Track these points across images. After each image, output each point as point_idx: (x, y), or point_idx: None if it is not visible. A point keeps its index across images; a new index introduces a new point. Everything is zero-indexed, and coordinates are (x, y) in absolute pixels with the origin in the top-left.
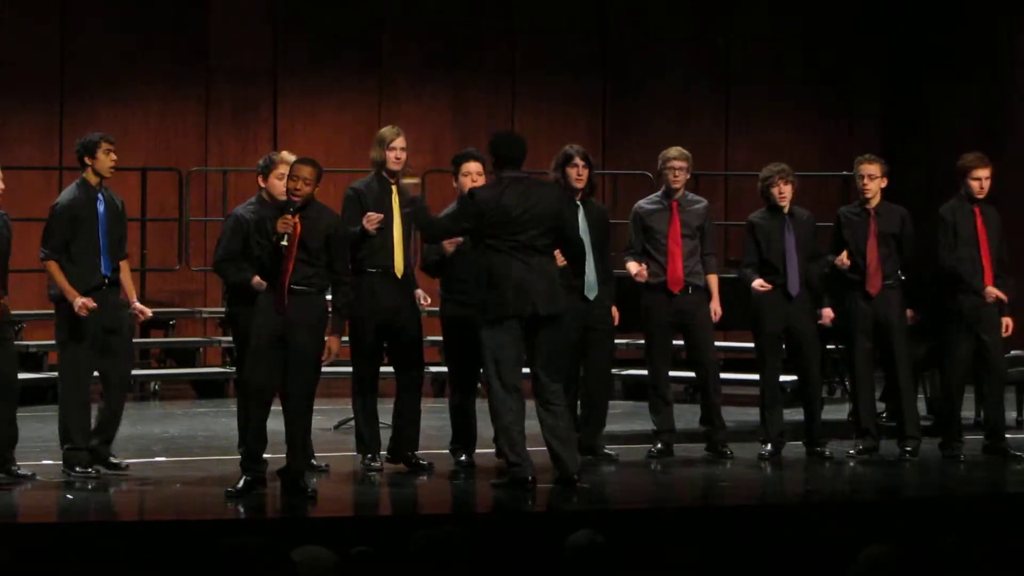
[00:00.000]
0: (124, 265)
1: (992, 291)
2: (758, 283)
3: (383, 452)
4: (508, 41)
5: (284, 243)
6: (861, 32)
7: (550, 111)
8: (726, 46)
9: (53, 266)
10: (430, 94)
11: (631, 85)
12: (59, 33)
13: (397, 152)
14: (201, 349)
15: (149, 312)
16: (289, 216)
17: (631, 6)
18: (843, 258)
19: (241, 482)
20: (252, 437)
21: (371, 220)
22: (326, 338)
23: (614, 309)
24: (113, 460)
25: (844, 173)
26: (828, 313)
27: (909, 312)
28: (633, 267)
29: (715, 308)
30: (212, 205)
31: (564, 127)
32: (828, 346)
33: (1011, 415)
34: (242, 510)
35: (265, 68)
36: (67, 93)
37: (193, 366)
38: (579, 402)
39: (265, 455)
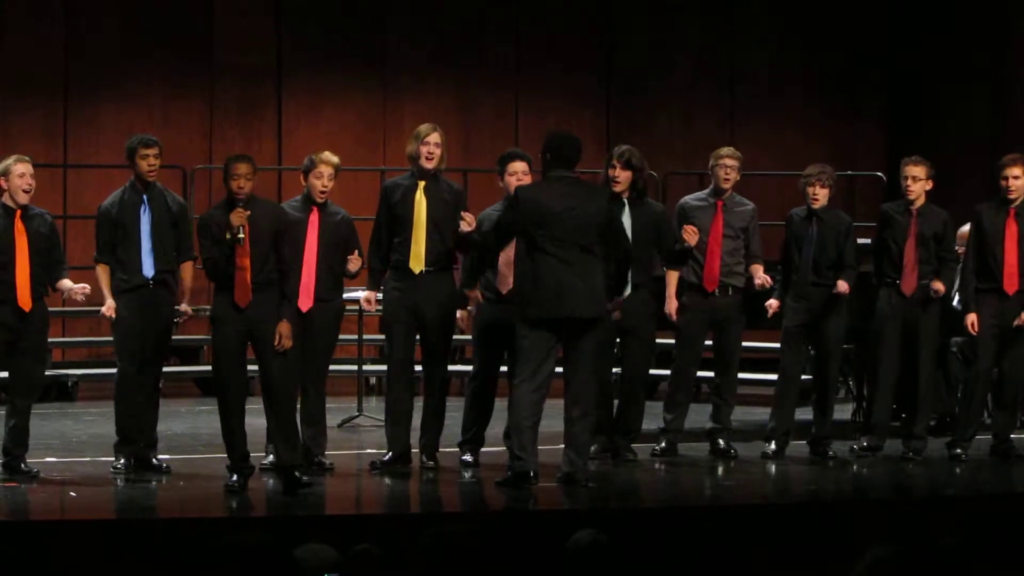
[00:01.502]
0: (186, 266)
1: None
2: (770, 304)
3: (415, 450)
4: (512, 40)
5: (240, 236)
6: (865, 31)
7: (554, 110)
8: (728, 44)
9: (99, 269)
10: (434, 92)
11: (635, 84)
12: (63, 31)
13: (430, 148)
14: (204, 347)
15: (190, 311)
16: (241, 209)
17: (635, 5)
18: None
19: (235, 478)
20: (237, 437)
21: (369, 304)
22: (279, 324)
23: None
24: (155, 461)
25: (848, 173)
26: (843, 286)
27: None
28: (689, 229)
29: (763, 278)
30: (216, 203)
31: (568, 126)
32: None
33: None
34: (245, 508)
35: (269, 66)
36: (71, 91)
37: (196, 364)
38: (615, 403)
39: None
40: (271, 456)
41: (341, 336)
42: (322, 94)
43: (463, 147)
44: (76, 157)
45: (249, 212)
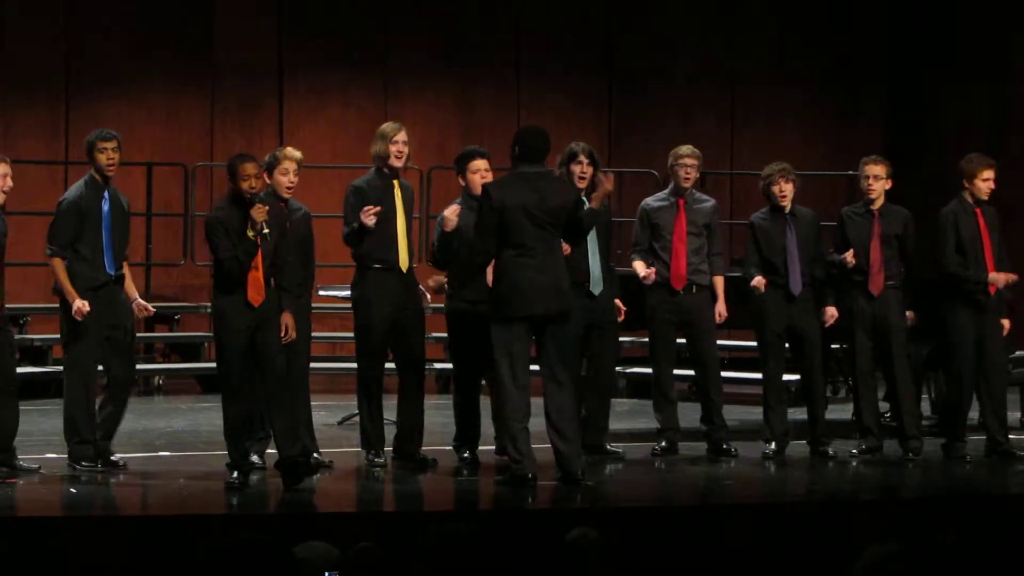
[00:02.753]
0: (125, 264)
1: (997, 276)
2: (756, 281)
3: (387, 448)
4: (514, 39)
5: (265, 231)
6: (865, 31)
7: (555, 109)
8: (728, 43)
9: (58, 263)
10: (435, 91)
11: (636, 83)
12: (65, 29)
13: (399, 147)
14: (205, 344)
15: (151, 308)
16: (260, 205)
17: (636, 4)
18: (849, 257)
19: (236, 475)
20: (241, 435)
21: (367, 213)
22: (283, 315)
23: (619, 303)
24: (112, 458)
25: (849, 172)
26: (832, 312)
27: (909, 313)
28: (641, 268)
29: (720, 310)
30: (217, 200)
31: (569, 125)
32: (832, 345)
33: (1014, 416)
34: (245, 506)
35: (271, 64)
36: (72, 88)
37: (197, 361)
38: (583, 399)
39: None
40: (254, 456)
41: (341, 334)
42: (323, 92)
43: (464, 145)
44: (77, 154)
45: (268, 207)
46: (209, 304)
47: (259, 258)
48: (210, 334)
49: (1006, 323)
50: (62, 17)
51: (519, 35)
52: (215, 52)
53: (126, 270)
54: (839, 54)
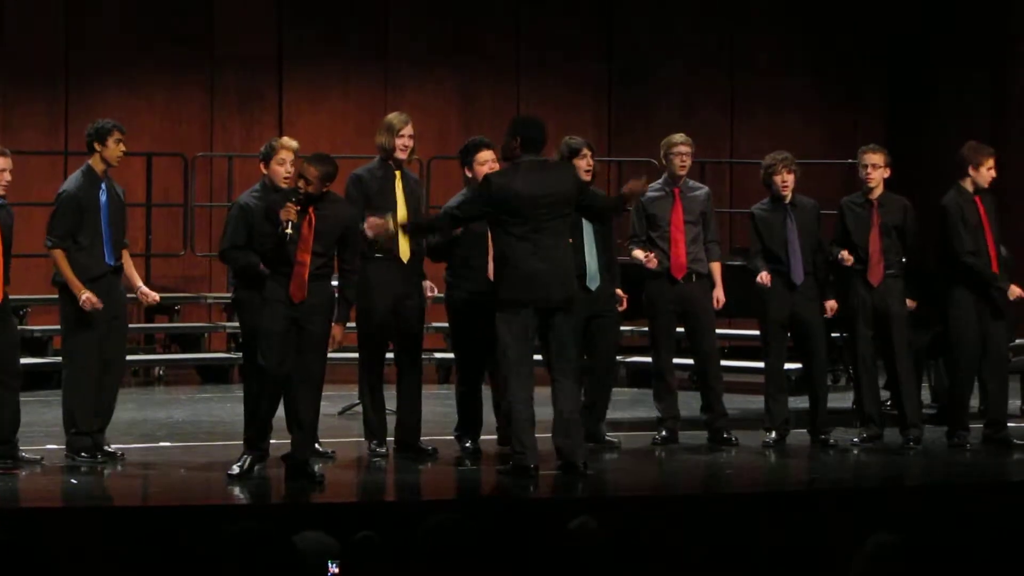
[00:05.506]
0: (125, 253)
1: (1014, 289)
2: (762, 277)
3: (389, 439)
4: (513, 29)
5: (289, 231)
6: (865, 19)
7: (555, 98)
8: (728, 31)
9: (59, 255)
10: (435, 82)
11: (636, 73)
12: (64, 19)
13: (406, 140)
14: (206, 335)
15: (156, 296)
16: (292, 204)
17: None
18: (846, 256)
19: (245, 461)
20: (264, 419)
21: (371, 226)
22: (332, 325)
23: (620, 293)
24: (107, 448)
25: (849, 161)
26: (832, 305)
27: (910, 302)
28: (640, 254)
29: (718, 295)
30: (217, 191)
31: (569, 114)
32: (833, 335)
33: (1014, 404)
34: (246, 496)
35: (270, 55)
36: (72, 79)
37: (198, 351)
38: (583, 389)
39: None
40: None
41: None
42: (323, 83)
43: (464, 136)
44: (77, 145)
45: (299, 207)
46: (209, 295)
47: (306, 255)
48: (211, 325)
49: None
50: (62, 7)
51: (519, 25)
52: (215, 43)
53: (126, 259)
54: (839, 42)
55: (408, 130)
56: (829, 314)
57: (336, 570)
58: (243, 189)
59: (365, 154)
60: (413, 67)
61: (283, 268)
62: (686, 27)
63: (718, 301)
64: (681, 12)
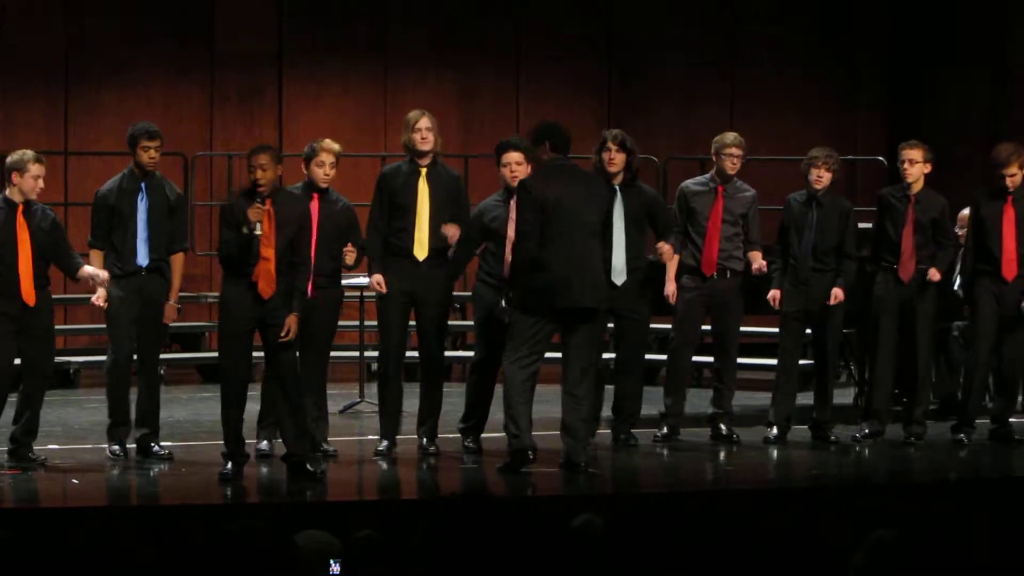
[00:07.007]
0: (177, 257)
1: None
2: (771, 295)
3: (400, 437)
4: (513, 26)
5: (257, 232)
6: (865, 16)
7: (555, 96)
8: (728, 29)
9: (94, 254)
10: (435, 79)
11: (636, 70)
12: (63, 18)
13: (423, 132)
14: (206, 334)
15: (174, 316)
16: (259, 205)
17: None
18: (760, 266)
19: (229, 465)
20: (235, 426)
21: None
22: (289, 317)
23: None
24: (155, 448)
25: (849, 157)
26: (837, 292)
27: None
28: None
29: (757, 261)
30: (217, 190)
31: (569, 112)
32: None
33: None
34: (247, 495)
35: (270, 53)
36: (72, 78)
37: (198, 350)
38: (612, 388)
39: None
40: (264, 442)
41: (342, 322)
42: (323, 81)
43: (464, 133)
44: (77, 145)
45: (267, 208)
46: (209, 294)
47: (271, 251)
48: (211, 324)
49: None
50: (61, 6)
51: (519, 22)
52: (215, 41)
53: (175, 263)
54: (840, 39)
55: (424, 123)
56: (832, 301)
57: (337, 569)
58: None
59: (365, 152)
60: (412, 64)
61: (245, 269)
62: (686, 25)
63: (757, 263)
64: (681, 10)
